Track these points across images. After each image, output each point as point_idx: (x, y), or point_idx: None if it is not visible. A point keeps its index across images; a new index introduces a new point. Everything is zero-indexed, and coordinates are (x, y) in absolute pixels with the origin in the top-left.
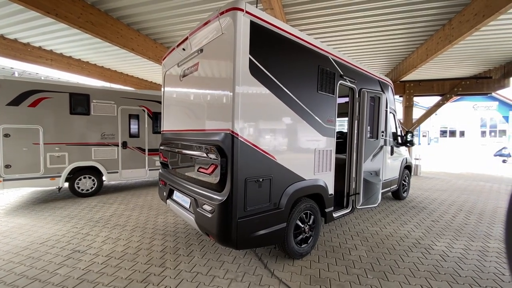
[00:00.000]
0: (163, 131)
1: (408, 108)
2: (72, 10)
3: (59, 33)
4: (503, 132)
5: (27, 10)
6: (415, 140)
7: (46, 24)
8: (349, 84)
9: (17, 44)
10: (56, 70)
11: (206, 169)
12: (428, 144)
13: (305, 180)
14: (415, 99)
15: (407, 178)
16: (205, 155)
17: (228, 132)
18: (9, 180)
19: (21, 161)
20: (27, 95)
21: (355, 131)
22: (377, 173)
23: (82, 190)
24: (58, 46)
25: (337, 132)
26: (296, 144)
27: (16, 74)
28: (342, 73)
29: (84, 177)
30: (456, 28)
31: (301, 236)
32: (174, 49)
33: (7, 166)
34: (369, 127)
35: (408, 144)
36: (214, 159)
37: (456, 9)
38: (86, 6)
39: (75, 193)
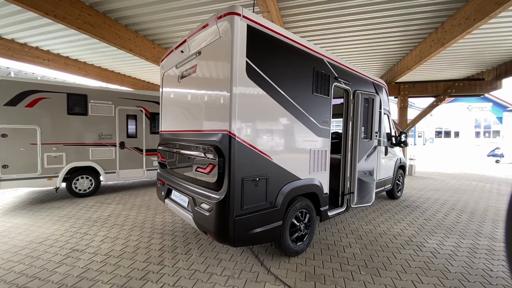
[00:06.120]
0: (161, 131)
1: (403, 109)
2: (70, 11)
3: (56, 33)
4: (497, 133)
5: (25, 11)
6: (410, 140)
7: (44, 25)
8: (343, 86)
9: (14, 44)
10: (53, 70)
11: (204, 168)
12: (424, 144)
13: (301, 179)
14: (410, 100)
15: (401, 178)
16: (203, 155)
17: (225, 132)
18: (6, 180)
19: (18, 161)
20: (25, 95)
21: (350, 132)
22: (371, 173)
23: (80, 190)
24: (56, 46)
25: (332, 133)
26: (292, 144)
27: (12, 74)
28: (336, 75)
29: (82, 177)
30: (449, 32)
31: (296, 234)
32: (172, 51)
33: (4, 166)
34: (363, 128)
35: (402, 145)
36: (211, 159)
37: (448, 13)
38: (84, 7)
39: (72, 193)
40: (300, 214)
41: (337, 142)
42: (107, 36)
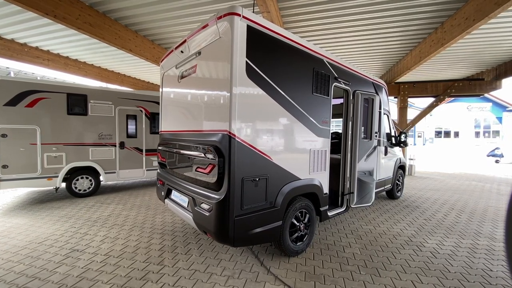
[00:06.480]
0: (161, 131)
1: (403, 109)
2: (70, 12)
3: (56, 33)
4: (496, 133)
5: (25, 11)
6: (410, 140)
7: (44, 25)
8: (343, 86)
9: (14, 45)
10: (53, 70)
11: (204, 169)
12: (423, 144)
13: (301, 179)
14: (410, 100)
15: (401, 178)
16: (203, 155)
17: (225, 132)
18: (6, 180)
19: (18, 161)
20: (25, 95)
21: (350, 132)
22: (371, 173)
23: (80, 190)
24: (55, 46)
25: (332, 133)
26: (292, 144)
27: (12, 74)
28: (336, 75)
29: (82, 177)
30: (448, 32)
31: (296, 234)
32: (172, 51)
33: (4, 166)
34: (363, 128)
35: (401, 145)
36: (211, 159)
37: (448, 13)
38: (84, 7)
39: (72, 194)
40: (300, 214)
41: (337, 142)
42: (107, 36)
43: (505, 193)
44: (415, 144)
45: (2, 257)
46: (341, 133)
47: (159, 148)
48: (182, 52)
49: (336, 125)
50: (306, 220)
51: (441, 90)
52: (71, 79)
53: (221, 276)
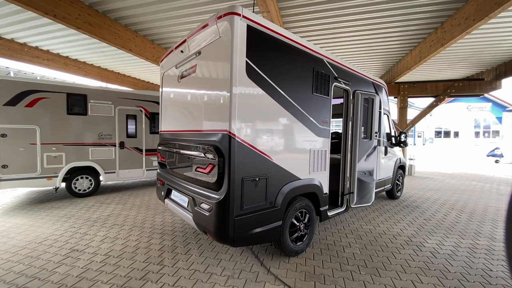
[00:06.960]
0: (161, 131)
1: (403, 109)
2: (70, 11)
3: (56, 33)
4: (496, 133)
5: (24, 11)
6: (410, 140)
7: (43, 25)
8: (343, 86)
9: (13, 44)
10: (53, 70)
11: (204, 168)
12: (423, 144)
13: (301, 179)
14: (410, 100)
15: (400, 178)
16: (202, 155)
17: (225, 132)
18: (6, 180)
19: (18, 161)
20: (24, 95)
21: (350, 132)
22: (371, 173)
23: (79, 190)
24: (55, 46)
25: (332, 133)
26: (292, 144)
27: (12, 74)
28: (336, 75)
29: (81, 177)
30: (448, 32)
31: (296, 234)
32: (172, 51)
33: (3, 166)
34: (363, 128)
35: (401, 145)
36: (211, 159)
37: (448, 13)
38: (84, 7)
39: (72, 193)
40: (300, 214)
41: (337, 142)
42: (106, 36)
43: (505, 193)
44: (415, 144)
45: (2, 257)
46: (341, 133)
47: (159, 148)
48: (182, 52)
49: (336, 125)
50: (306, 220)
51: (441, 90)
52: (71, 79)
53: (221, 276)
